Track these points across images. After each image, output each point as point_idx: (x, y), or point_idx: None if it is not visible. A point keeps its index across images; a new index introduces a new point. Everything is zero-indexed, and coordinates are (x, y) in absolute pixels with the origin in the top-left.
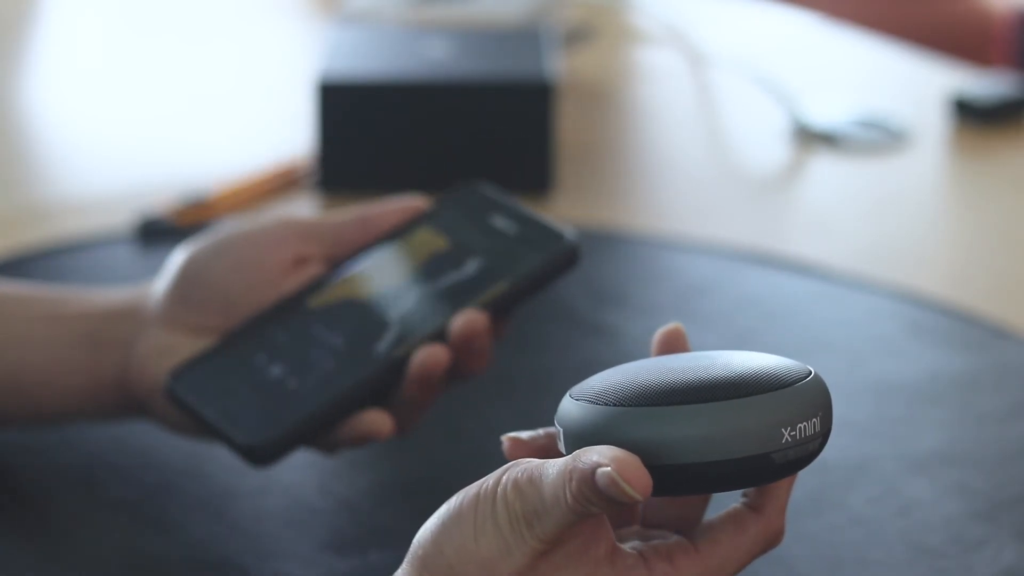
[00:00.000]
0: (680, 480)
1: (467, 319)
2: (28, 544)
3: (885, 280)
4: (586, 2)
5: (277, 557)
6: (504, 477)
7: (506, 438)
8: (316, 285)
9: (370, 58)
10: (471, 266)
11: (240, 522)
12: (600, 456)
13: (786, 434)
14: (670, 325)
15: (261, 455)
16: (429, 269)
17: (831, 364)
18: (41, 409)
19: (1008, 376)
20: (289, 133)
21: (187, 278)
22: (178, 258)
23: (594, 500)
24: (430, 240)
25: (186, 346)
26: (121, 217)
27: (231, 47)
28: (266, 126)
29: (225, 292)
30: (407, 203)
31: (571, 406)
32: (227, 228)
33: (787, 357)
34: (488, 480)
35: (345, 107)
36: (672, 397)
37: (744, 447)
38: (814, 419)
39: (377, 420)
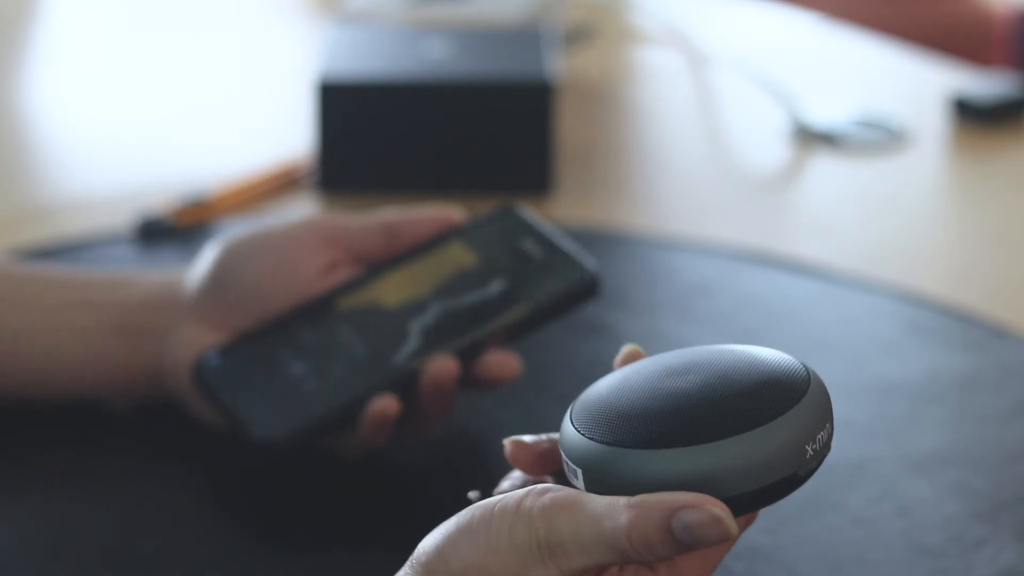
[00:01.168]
0: None
1: (438, 366)
2: (29, 542)
3: (885, 280)
4: (586, 2)
5: (276, 556)
6: (529, 500)
7: (508, 441)
8: (348, 285)
9: (370, 58)
10: (494, 288)
11: (239, 521)
12: (682, 501)
13: (809, 449)
14: (625, 348)
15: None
16: (455, 285)
17: (831, 364)
18: (73, 395)
19: (1008, 376)
20: (289, 133)
21: (222, 280)
22: (212, 255)
23: (662, 548)
24: (460, 255)
25: (218, 342)
26: (121, 217)
27: (231, 47)
28: (266, 126)
29: (260, 297)
30: (439, 215)
31: (585, 445)
32: (259, 229)
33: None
34: (508, 499)
35: (345, 107)
36: (696, 434)
37: (775, 473)
38: (827, 424)
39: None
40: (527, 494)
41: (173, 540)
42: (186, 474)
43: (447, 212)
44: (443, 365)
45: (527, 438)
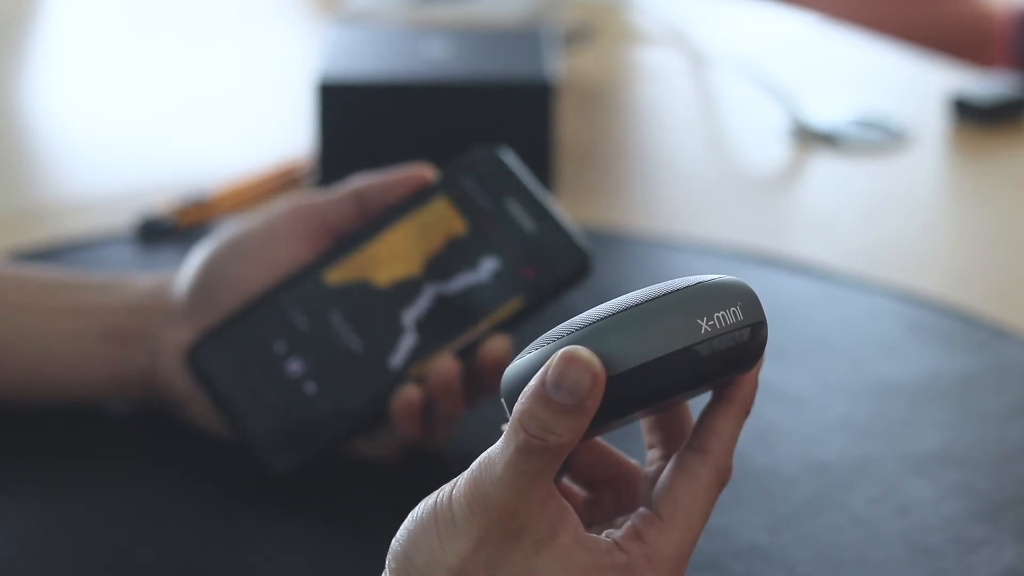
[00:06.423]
0: (619, 394)
1: (442, 368)
2: (28, 545)
3: (885, 280)
4: (586, 2)
5: (274, 557)
6: (459, 479)
7: None
8: (332, 255)
9: (370, 58)
10: (486, 269)
11: (238, 521)
12: (544, 368)
13: (704, 324)
14: None
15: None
16: (445, 259)
17: (831, 364)
18: (65, 398)
19: (1008, 376)
20: (289, 133)
21: (210, 282)
22: (198, 259)
23: (554, 420)
24: (447, 218)
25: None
26: (121, 217)
27: (231, 47)
28: (266, 126)
29: (249, 294)
30: (410, 175)
31: (504, 375)
32: (241, 226)
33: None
34: (444, 487)
35: (345, 107)
36: (590, 322)
37: (665, 344)
38: (732, 308)
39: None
40: (459, 476)
41: (173, 542)
42: (186, 477)
43: (418, 171)
44: (445, 369)
45: None
